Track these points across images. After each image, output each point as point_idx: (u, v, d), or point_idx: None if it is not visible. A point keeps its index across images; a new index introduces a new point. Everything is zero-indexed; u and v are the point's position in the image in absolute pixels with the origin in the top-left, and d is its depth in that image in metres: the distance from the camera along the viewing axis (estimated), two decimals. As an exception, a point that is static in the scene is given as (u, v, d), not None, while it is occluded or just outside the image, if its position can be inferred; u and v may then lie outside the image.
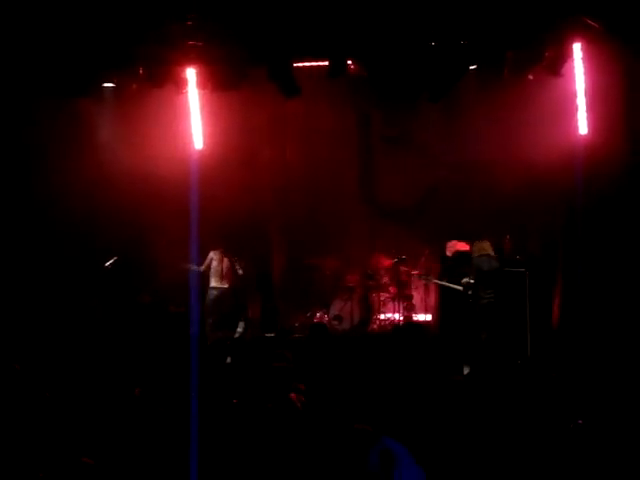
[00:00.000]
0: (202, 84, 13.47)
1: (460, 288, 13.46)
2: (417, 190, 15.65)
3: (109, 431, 7.23)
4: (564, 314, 13.53)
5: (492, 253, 13.34)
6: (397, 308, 15.20)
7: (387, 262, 15.50)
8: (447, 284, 14.03)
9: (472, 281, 13.17)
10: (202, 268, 14.51)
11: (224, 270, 14.71)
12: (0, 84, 12.98)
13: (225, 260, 14.69)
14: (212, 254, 14.68)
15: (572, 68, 12.24)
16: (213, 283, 14.73)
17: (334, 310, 15.44)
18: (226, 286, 14.77)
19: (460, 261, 13.63)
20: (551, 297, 13.84)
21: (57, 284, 14.13)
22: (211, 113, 14.15)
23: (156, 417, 7.09)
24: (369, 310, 15.50)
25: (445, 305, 14.37)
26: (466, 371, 11.90)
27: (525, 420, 7.64)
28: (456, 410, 7.60)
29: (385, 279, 15.49)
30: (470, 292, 13.13)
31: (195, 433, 6.67)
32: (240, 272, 14.69)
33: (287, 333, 14.76)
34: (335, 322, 15.23)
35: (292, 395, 7.61)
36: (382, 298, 15.42)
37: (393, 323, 15.00)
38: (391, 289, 15.38)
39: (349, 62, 13.08)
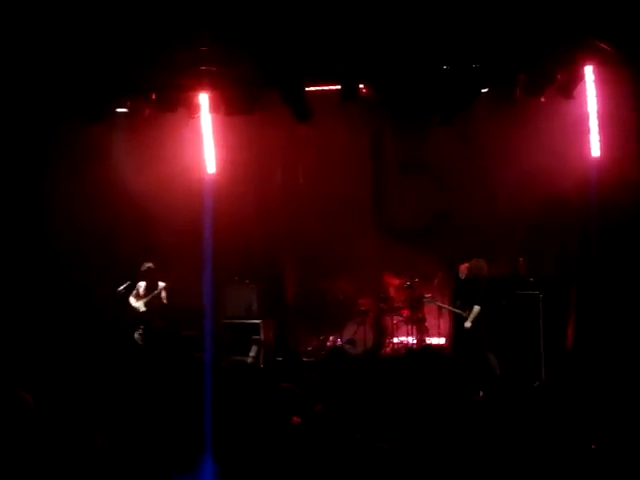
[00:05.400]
0: (214, 108, 13.54)
1: (462, 312, 13.42)
2: (430, 212, 15.61)
3: (118, 458, 7.17)
4: (578, 336, 13.47)
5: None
6: (410, 331, 15.13)
7: (399, 284, 15.49)
8: (450, 308, 14.04)
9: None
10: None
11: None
12: (19, 111, 13.13)
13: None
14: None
15: (584, 90, 12.25)
16: None
17: (347, 334, 15.39)
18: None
19: (473, 283, 13.59)
20: (565, 319, 13.80)
21: (70, 308, 14.17)
22: (224, 137, 14.22)
23: (170, 440, 7.04)
24: (382, 334, 15.44)
25: (459, 328, 14.33)
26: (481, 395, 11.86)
27: (540, 443, 7.59)
28: (472, 433, 7.56)
29: (398, 302, 15.45)
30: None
31: (210, 458, 6.64)
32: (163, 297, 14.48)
33: (297, 357, 14.65)
34: (348, 346, 15.14)
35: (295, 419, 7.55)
36: (395, 321, 15.35)
37: (407, 346, 14.92)
38: (404, 312, 15.31)
39: (361, 86, 13.10)
